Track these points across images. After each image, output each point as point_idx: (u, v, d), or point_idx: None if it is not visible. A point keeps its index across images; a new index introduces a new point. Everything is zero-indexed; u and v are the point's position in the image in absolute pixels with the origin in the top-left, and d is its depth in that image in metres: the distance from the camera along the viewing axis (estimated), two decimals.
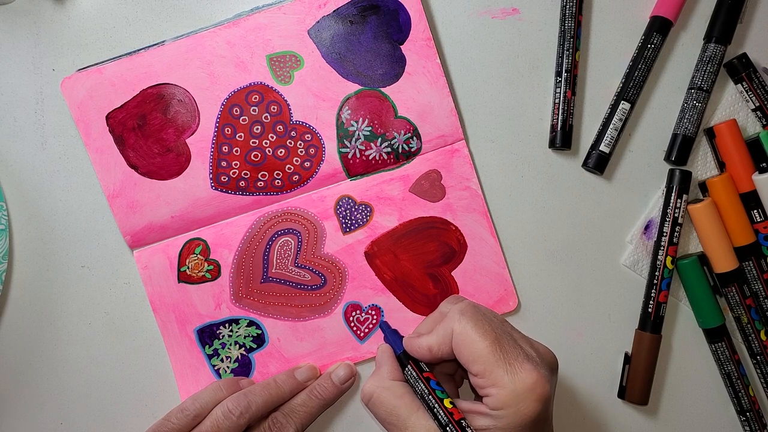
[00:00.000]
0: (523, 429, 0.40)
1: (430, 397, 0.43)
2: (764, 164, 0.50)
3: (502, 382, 0.40)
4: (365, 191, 0.50)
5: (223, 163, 0.50)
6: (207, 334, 0.50)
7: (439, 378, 0.46)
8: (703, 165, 0.52)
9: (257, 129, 0.50)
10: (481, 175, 0.51)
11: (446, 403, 0.42)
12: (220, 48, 0.49)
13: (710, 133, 0.51)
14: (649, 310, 0.50)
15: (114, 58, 0.49)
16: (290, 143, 0.50)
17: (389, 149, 0.50)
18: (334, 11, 0.49)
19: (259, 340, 0.50)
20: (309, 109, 0.50)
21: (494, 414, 0.40)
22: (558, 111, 0.50)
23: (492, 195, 0.51)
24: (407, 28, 0.50)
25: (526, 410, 0.39)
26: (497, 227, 0.51)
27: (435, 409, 0.42)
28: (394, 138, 0.50)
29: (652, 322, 0.50)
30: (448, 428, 0.41)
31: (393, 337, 0.48)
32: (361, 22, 0.50)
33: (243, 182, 0.50)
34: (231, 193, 0.50)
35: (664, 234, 0.50)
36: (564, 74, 0.50)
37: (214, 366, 0.50)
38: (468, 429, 0.41)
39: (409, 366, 0.45)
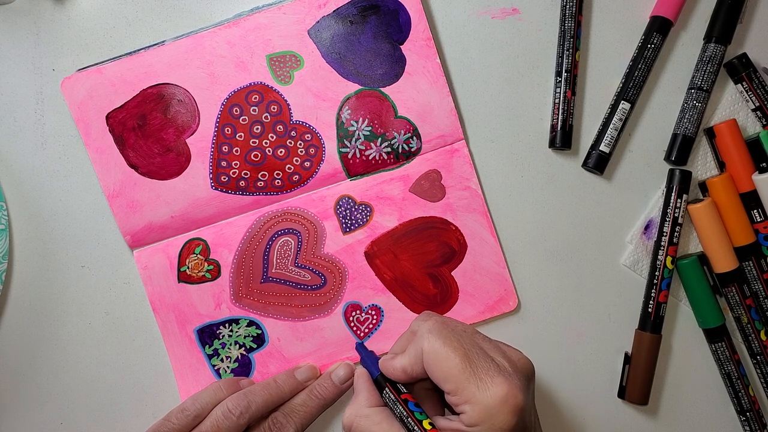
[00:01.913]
0: None
1: (409, 419, 0.43)
2: (764, 164, 0.50)
3: (474, 398, 0.40)
4: (365, 191, 0.51)
5: (223, 163, 0.50)
6: (207, 334, 0.50)
7: (424, 394, 0.46)
8: (703, 165, 0.52)
9: (257, 129, 0.50)
10: (481, 175, 0.51)
11: (425, 424, 0.42)
12: (220, 48, 0.49)
13: (710, 133, 0.51)
14: (649, 310, 0.50)
15: (114, 58, 0.49)
16: (290, 143, 0.50)
17: (389, 149, 0.50)
18: (334, 11, 0.49)
19: (259, 340, 0.50)
20: (309, 109, 0.50)
21: (470, 431, 0.40)
22: (558, 111, 0.50)
23: (492, 195, 0.51)
24: (407, 28, 0.50)
25: (500, 424, 0.39)
26: (497, 227, 0.51)
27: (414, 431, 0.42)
28: (394, 138, 0.50)
29: (652, 322, 0.50)
30: None
31: (370, 359, 0.48)
32: (361, 22, 0.50)
33: (243, 182, 0.50)
34: (231, 193, 0.50)
35: (664, 234, 0.50)
36: (564, 74, 0.50)
37: (214, 366, 0.50)
38: None
39: (386, 389, 0.45)
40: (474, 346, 0.42)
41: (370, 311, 0.51)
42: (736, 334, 0.52)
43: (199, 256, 0.50)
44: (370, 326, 0.51)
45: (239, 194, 0.50)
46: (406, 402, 0.44)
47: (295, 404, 0.48)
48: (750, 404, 0.51)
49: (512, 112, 0.51)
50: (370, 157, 0.50)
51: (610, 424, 0.52)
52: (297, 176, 0.50)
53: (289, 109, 0.50)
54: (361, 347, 0.49)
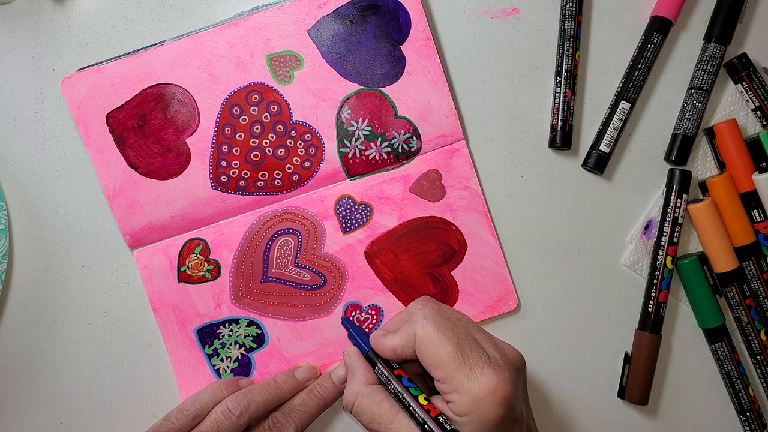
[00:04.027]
0: None
1: (405, 395, 0.43)
2: (764, 164, 0.50)
3: (463, 388, 0.40)
4: (365, 191, 0.51)
5: (223, 163, 0.50)
6: (207, 334, 0.50)
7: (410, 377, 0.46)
8: (703, 165, 0.52)
9: (257, 129, 0.50)
10: (481, 175, 0.51)
11: (421, 399, 0.42)
12: (220, 48, 0.49)
13: (710, 133, 0.51)
14: (649, 310, 0.50)
15: (114, 58, 0.49)
16: (290, 143, 0.50)
17: (389, 149, 0.50)
18: (334, 11, 0.49)
19: (259, 340, 0.50)
20: (309, 109, 0.50)
21: (458, 420, 0.40)
22: (558, 111, 0.50)
23: (492, 195, 0.51)
24: (407, 28, 0.50)
25: (488, 415, 0.39)
26: (497, 227, 0.51)
27: (411, 408, 0.42)
28: (394, 138, 0.50)
29: (652, 322, 0.50)
30: (426, 426, 0.41)
31: (359, 334, 0.48)
32: (361, 22, 0.50)
33: (243, 182, 0.50)
34: (231, 193, 0.50)
35: (664, 234, 0.50)
36: (564, 74, 0.50)
37: (214, 366, 0.50)
38: (446, 425, 0.41)
39: (378, 365, 0.45)
40: (467, 336, 0.42)
41: (370, 311, 0.51)
42: (736, 334, 0.52)
43: (199, 256, 0.50)
44: (370, 326, 0.51)
45: (239, 194, 0.50)
46: (399, 378, 0.44)
47: (294, 404, 0.48)
48: (750, 404, 0.51)
49: (512, 112, 0.51)
50: (370, 157, 0.50)
51: (610, 424, 0.52)
52: (297, 176, 0.50)
53: (289, 109, 0.50)
54: (347, 322, 0.49)
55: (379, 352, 0.45)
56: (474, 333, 0.43)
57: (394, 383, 0.43)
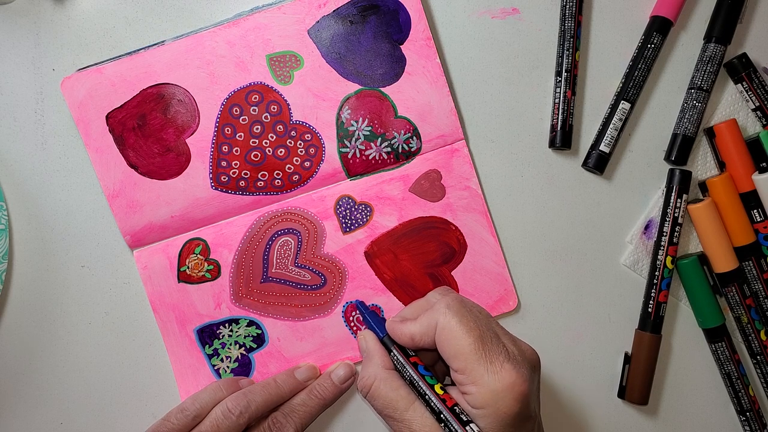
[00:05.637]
0: (505, 428, 0.40)
1: (421, 383, 0.43)
2: (764, 164, 0.50)
3: (482, 380, 0.40)
4: (365, 191, 0.51)
5: (223, 163, 0.50)
6: (207, 334, 0.50)
7: None
8: (703, 165, 0.52)
9: (257, 129, 0.50)
10: (481, 175, 0.51)
11: (437, 388, 0.42)
12: (220, 48, 0.49)
13: (710, 133, 0.51)
14: (649, 310, 0.50)
15: (114, 58, 0.49)
16: (290, 143, 0.50)
17: (389, 149, 0.50)
18: (334, 11, 0.49)
19: (259, 340, 0.50)
20: (309, 109, 0.50)
21: (474, 413, 0.41)
22: (558, 111, 0.50)
23: (492, 195, 0.51)
24: (407, 28, 0.50)
25: (505, 409, 0.40)
26: (497, 227, 0.51)
27: (426, 397, 0.42)
28: (394, 138, 0.50)
29: (652, 322, 0.50)
30: (441, 416, 0.41)
31: (374, 319, 0.48)
32: (361, 21, 0.50)
33: (243, 182, 0.50)
34: (231, 193, 0.50)
35: (664, 234, 0.50)
36: (564, 74, 0.50)
37: (214, 366, 0.50)
38: (462, 415, 0.41)
39: (394, 351, 0.45)
40: (489, 330, 0.42)
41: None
42: (736, 334, 0.52)
43: (199, 256, 0.50)
44: None
45: (239, 194, 0.50)
46: (416, 366, 0.43)
47: (294, 404, 0.48)
48: (750, 404, 0.51)
49: (512, 112, 0.51)
50: (370, 157, 0.50)
51: (610, 424, 0.52)
52: (297, 176, 0.50)
53: (289, 109, 0.50)
54: (362, 306, 0.49)
55: (396, 339, 0.45)
56: (494, 327, 0.43)
57: (410, 371, 0.43)
